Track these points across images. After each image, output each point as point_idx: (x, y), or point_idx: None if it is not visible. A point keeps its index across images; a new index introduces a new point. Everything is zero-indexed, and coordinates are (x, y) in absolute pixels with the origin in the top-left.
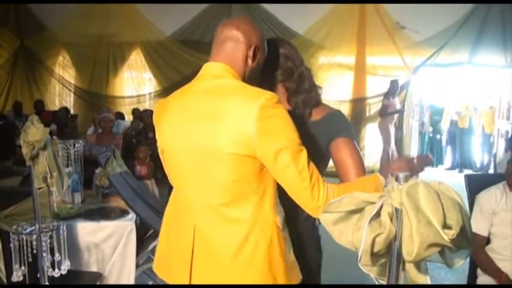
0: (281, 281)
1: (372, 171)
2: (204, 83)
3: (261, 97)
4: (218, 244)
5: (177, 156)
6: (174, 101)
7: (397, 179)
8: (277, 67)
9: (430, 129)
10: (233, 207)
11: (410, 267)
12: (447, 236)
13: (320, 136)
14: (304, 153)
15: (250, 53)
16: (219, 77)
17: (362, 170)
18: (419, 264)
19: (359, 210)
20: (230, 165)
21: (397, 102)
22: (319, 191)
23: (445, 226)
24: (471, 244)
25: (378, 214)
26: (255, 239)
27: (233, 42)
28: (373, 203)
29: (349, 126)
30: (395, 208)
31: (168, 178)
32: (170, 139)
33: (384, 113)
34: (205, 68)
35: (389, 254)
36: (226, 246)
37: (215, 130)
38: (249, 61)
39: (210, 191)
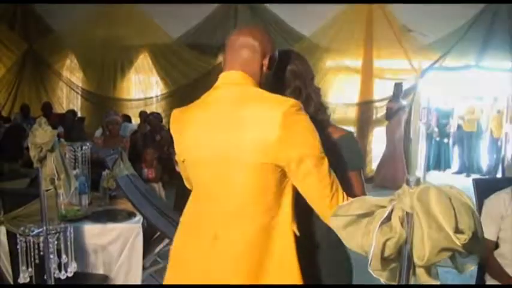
0: None
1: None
2: (224, 92)
3: (284, 104)
4: (237, 252)
5: (199, 166)
6: (194, 112)
7: (407, 183)
8: (285, 86)
9: (436, 129)
10: (253, 216)
11: (420, 272)
12: (459, 240)
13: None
14: (326, 161)
15: (266, 62)
16: (239, 85)
17: None
18: (430, 269)
19: (369, 214)
20: (252, 174)
21: (403, 105)
22: (337, 201)
23: (457, 231)
24: (483, 249)
25: (388, 218)
26: (274, 248)
27: (249, 51)
28: (384, 206)
29: (361, 154)
30: (406, 212)
31: (186, 184)
32: (193, 150)
33: (389, 115)
34: (223, 77)
35: (399, 258)
36: (245, 255)
37: (237, 138)
38: (264, 69)
39: (231, 200)
